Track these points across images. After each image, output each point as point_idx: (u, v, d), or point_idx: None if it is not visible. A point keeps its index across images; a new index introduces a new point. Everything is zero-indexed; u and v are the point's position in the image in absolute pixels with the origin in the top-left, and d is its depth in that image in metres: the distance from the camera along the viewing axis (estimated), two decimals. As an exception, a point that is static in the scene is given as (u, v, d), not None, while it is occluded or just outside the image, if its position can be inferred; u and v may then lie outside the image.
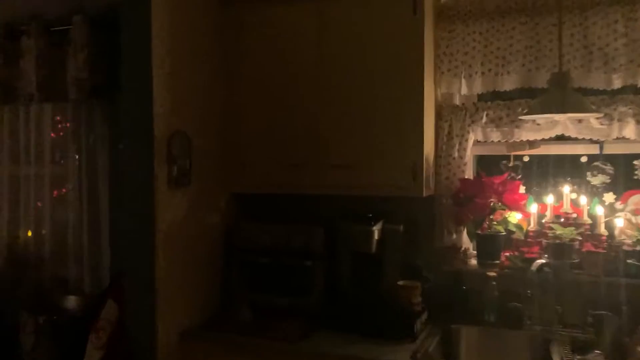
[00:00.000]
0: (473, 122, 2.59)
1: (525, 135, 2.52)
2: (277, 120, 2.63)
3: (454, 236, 2.62)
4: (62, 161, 3.05)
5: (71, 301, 2.96)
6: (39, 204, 3.15)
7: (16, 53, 2.93)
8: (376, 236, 2.50)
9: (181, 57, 2.40)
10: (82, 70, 2.73)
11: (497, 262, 2.51)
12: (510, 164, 2.68)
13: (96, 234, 2.90)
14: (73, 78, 2.76)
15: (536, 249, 2.47)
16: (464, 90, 2.59)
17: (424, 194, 2.44)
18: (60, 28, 2.81)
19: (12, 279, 3.26)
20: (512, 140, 2.56)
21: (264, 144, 2.66)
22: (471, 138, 2.61)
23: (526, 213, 2.54)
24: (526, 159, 2.68)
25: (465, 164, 2.61)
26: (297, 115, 2.58)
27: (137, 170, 2.26)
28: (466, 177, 2.61)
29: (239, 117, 2.70)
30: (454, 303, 2.53)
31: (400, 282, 2.47)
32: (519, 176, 2.65)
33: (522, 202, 2.55)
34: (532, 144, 2.57)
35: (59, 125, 3.12)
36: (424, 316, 2.44)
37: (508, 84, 2.52)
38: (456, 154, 2.61)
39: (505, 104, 2.55)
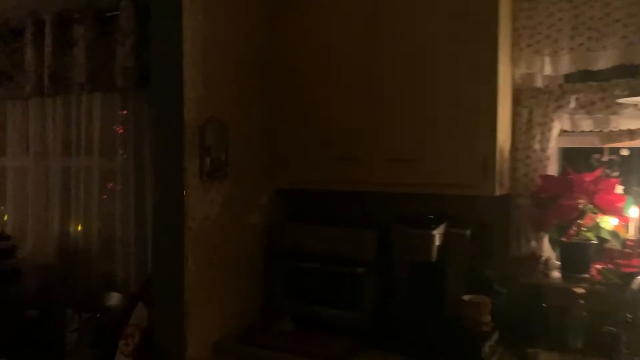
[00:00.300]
0: (558, 107, 2.19)
1: (623, 123, 2.13)
2: (325, 108, 2.33)
3: (533, 244, 2.24)
4: (111, 154, 2.95)
5: (114, 298, 2.81)
6: (90, 197, 3.08)
7: (68, 42, 2.88)
8: (437, 242, 2.14)
9: (216, 35, 2.14)
10: (129, 58, 2.61)
11: (586, 276, 2.12)
12: (605, 159, 2.25)
13: (142, 230, 2.76)
14: (120, 66, 2.65)
15: (636, 261, 2.04)
16: (548, 69, 2.20)
17: (497, 193, 2.09)
18: (110, 14, 2.71)
19: (61, 273, 3.20)
20: (607, 130, 2.17)
21: (310, 134, 2.36)
22: (556, 127, 2.22)
23: (624, 218, 2.13)
24: (625, 152, 2.23)
25: (548, 158, 2.23)
26: (348, 101, 2.28)
27: (166, 162, 2.02)
28: (549, 173, 2.23)
29: (282, 103, 2.42)
30: (530, 323, 2.14)
31: (466, 297, 2.10)
32: (616, 173, 2.21)
33: (619, 205, 2.13)
34: (632, 134, 2.14)
35: (109, 116, 3.04)
36: (494, 338, 2.07)
37: (603, 61, 2.10)
38: (537, 146, 2.22)
39: (600, 85, 2.15)
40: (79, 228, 3.22)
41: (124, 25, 2.61)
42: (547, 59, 2.17)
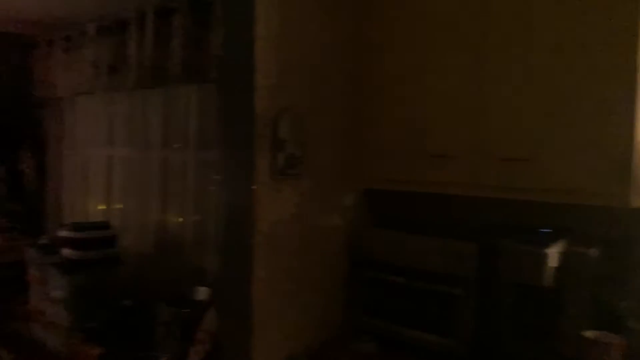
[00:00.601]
0: None
1: None
2: (420, 96, 2.01)
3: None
4: (208, 146, 2.92)
5: (203, 293, 2.75)
6: (186, 189, 3.08)
7: (166, 33, 2.88)
8: (554, 262, 1.73)
9: (294, 19, 1.91)
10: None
11: None
12: None
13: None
14: (213, 56, 2.58)
15: None
16: None
17: (633, 205, 1.61)
18: (205, 1, 2.63)
19: (156, 265, 3.23)
20: None
21: (401, 127, 2.06)
22: None
23: None
24: None
25: None
26: (448, 87, 1.92)
27: (234, 157, 1.83)
28: None
29: (371, 92, 2.13)
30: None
31: (590, 334, 1.67)
32: None
33: None
34: None
35: (205, 108, 3.00)
36: (628, 390, 1.60)
37: None
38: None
39: None
40: (178, 220, 3.24)
41: (218, 14, 2.51)
42: None
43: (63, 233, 3.06)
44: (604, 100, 1.61)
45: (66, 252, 3.02)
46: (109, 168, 3.58)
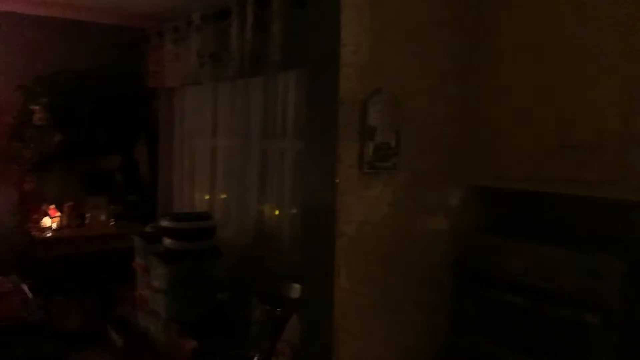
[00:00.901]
0: None
1: None
2: (549, 74, 1.59)
3: None
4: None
5: (297, 291, 2.58)
6: (283, 180, 2.96)
7: (266, 19, 2.81)
8: None
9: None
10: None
11: None
12: None
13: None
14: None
15: None
16: None
17: None
18: None
19: (253, 259, 3.14)
20: None
21: (522, 112, 1.66)
22: None
23: None
24: None
25: None
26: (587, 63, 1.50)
27: (316, 146, 1.58)
28: None
29: (486, 70, 1.75)
30: None
31: None
32: None
33: None
34: None
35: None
36: None
37: None
38: None
39: None
40: (276, 212, 3.12)
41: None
42: None
43: (164, 223, 3.05)
44: None
45: (167, 242, 3.01)
46: (212, 158, 3.57)
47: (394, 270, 1.68)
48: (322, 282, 1.56)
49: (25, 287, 2.69)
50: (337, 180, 1.51)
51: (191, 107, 3.78)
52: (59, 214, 3.72)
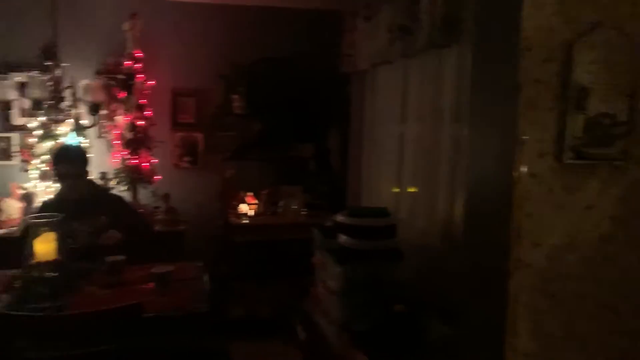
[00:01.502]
0: None
1: None
2: None
3: None
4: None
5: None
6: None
7: None
8: None
9: None
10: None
11: None
12: None
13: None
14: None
15: None
16: None
17: None
18: None
19: (441, 265, 2.65)
20: None
21: None
22: None
23: None
24: None
25: None
26: None
27: (485, 121, 1.03)
28: None
29: None
30: None
31: None
32: None
33: None
34: None
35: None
36: None
37: None
38: None
39: None
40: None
41: None
42: None
43: (340, 218, 2.76)
44: None
45: (342, 239, 2.71)
46: (400, 146, 3.16)
47: (618, 325, 1.02)
48: (489, 338, 1.01)
49: (205, 276, 2.71)
50: (515, 176, 0.94)
51: (381, 91, 3.43)
52: (256, 201, 3.77)
